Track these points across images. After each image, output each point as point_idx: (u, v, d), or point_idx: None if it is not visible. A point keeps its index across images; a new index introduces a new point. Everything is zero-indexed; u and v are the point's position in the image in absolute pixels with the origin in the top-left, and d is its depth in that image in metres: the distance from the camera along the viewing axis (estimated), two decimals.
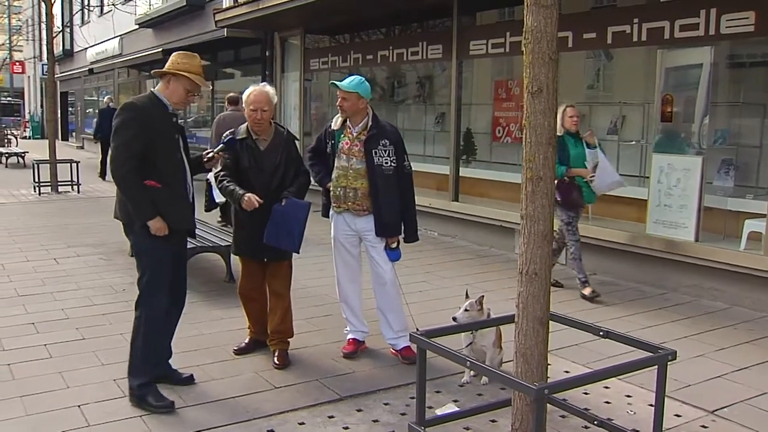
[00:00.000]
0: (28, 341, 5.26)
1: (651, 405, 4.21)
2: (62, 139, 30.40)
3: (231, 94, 10.44)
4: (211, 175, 12.02)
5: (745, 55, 7.23)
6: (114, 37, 22.88)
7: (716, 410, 4.18)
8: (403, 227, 4.91)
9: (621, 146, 8.28)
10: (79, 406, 4.11)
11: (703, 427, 3.98)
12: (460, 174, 9.79)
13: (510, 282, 7.18)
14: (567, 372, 4.70)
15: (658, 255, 6.95)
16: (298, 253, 4.76)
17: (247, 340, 5.11)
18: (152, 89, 4.23)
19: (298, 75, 13.29)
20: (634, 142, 8.29)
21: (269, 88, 4.76)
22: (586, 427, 3.86)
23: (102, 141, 16.74)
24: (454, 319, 4.33)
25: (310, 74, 13.21)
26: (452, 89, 9.53)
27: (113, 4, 17.79)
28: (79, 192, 14.50)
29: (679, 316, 6.11)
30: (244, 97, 4.73)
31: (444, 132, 10.62)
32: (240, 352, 5.03)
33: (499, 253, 8.68)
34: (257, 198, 4.55)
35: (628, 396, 4.36)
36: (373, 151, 4.72)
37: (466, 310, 4.35)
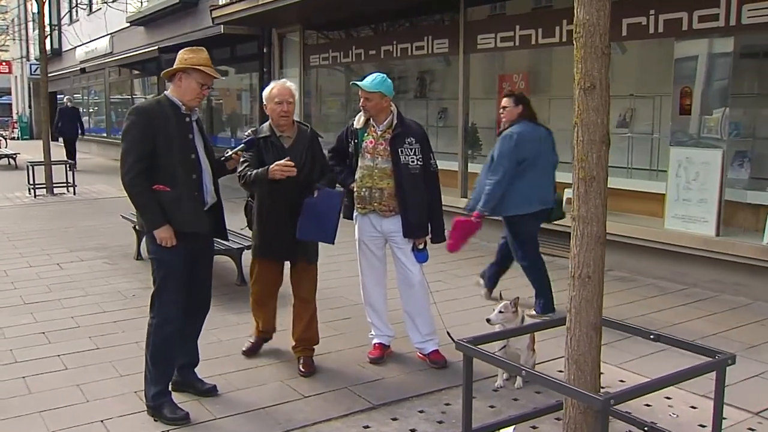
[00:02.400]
0: (41, 352, 5.09)
1: (692, 407, 4.12)
2: (52, 140, 29.98)
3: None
4: None
5: (759, 45, 7.11)
6: (104, 36, 22.58)
7: (761, 411, 4.07)
8: (430, 227, 4.77)
9: (634, 139, 8.16)
10: (102, 421, 3.95)
11: (751, 429, 3.87)
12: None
13: (525, 280, 7.06)
14: (602, 373, 4.57)
15: (677, 250, 6.84)
16: (333, 244, 4.60)
17: (253, 340, 5.01)
18: (165, 92, 4.09)
19: (297, 71, 13.09)
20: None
21: (291, 83, 4.64)
22: None
23: (64, 140, 19.72)
24: (489, 320, 4.20)
25: (310, 70, 13.03)
26: (460, 84, 9.37)
27: (104, 2, 17.49)
28: (75, 194, 14.27)
29: (703, 312, 6.01)
30: (266, 93, 4.59)
31: (447, 127, 10.48)
32: (249, 352, 4.92)
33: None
34: (286, 162, 4.35)
35: (668, 398, 4.23)
36: (399, 149, 4.57)
37: (500, 311, 4.22)
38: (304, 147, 4.62)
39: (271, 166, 4.35)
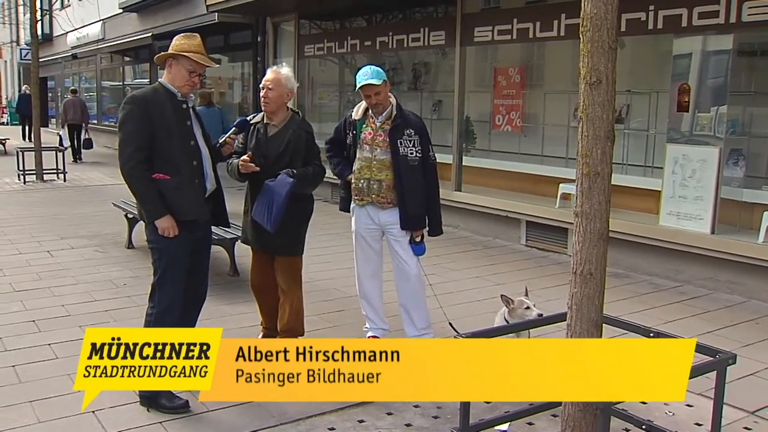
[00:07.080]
0: (31, 340, 5.02)
1: (688, 405, 4.10)
2: (42, 125, 29.73)
3: (72, 87, 18.47)
4: (62, 132, 17.01)
5: (757, 43, 7.10)
6: (96, 22, 22.35)
7: (757, 411, 4.06)
8: (427, 220, 4.73)
9: (630, 135, 8.14)
10: (93, 411, 3.88)
11: (747, 429, 3.87)
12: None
13: (521, 275, 7.05)
14: None
15: (671, 247, 6.83)
16: (271, 232, 4.43)
17: (260, 337, 4.92)
18: (159, 79, 4.06)
19: (291, 61, 12.99)
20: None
21: (284, 70, 4.56)
22: (626, 430, 3.73)
23: (21, 116, 24.44)
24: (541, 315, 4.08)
25: (305, 60, 12.94)
26: (456, 77, 9.31)
27: None
28: (65, 180, 14.14)
29: (697, 310, 6.00)
30: None
31: (441, 120, 10.42)
32: None
33: (504, 244, 8.54)
34: (247, 160, 4.40)
35: None
36: (399, 141, 4.52)
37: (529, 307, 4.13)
38: (286, 138, 4.53)
39: (240, 161, 4.42)
